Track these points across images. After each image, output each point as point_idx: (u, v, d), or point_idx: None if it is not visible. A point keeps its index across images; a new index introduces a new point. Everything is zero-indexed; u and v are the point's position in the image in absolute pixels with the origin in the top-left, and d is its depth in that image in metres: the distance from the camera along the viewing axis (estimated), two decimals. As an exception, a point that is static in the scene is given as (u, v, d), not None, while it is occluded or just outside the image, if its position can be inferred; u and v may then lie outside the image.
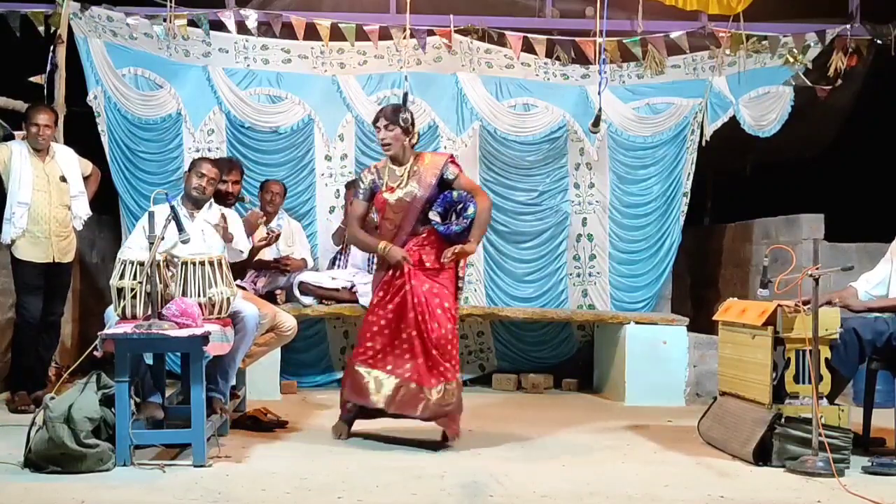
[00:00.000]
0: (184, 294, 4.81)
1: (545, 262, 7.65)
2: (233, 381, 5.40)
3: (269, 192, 7.07)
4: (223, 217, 5.55)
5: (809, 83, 7.48)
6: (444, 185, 5.27)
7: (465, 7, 7.58)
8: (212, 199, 5.69)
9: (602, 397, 7.19)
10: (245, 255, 5.91)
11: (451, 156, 5.44)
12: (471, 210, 5.20)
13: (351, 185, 7.15)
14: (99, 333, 4.52)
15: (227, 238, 5.50)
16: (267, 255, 6.94)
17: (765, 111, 7.56)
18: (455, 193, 5.26)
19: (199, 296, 4.82)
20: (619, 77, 7.61)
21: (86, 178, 6.40)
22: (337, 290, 7.06)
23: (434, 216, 5.25)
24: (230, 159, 6.83)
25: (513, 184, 7.62)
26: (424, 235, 5.27)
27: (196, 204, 5.58)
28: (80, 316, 7.39)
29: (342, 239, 7.19)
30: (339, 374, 7.50)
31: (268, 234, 6.52)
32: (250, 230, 6.15)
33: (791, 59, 7.45)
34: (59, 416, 4.29)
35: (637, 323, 7.01)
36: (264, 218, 6.65)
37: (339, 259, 7.30)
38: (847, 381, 5.18)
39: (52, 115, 6.31)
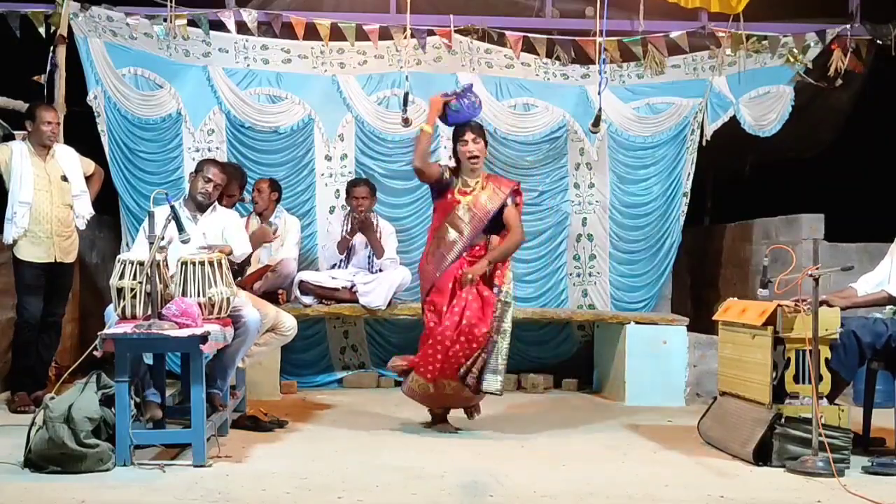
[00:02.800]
0: (184, 294, 4.81)
1: (545, 262, 7.63)
2: (232, 382, 5.40)
3: (254, 189, 7.10)
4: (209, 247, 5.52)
5: (813, 81, 7.47)
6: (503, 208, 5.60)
7: (465, 7, 7.57)
8: (216, 203, 5.70)
9: (602, 397, 7.18)
10: (247, 254, 5.91)
11: (518, 184, 5.78)
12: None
13: (352, 185, 7.16)
14: (99, 333, 4.52)
15: (226, 252, 5.51)
16: (263, 257, 6.95)
17: (765, 111, 7.55)
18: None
19: (199, 296, 4.83)
20: (620, 77, 7.60)
21: (88, 178, 6.40)
22: (337, 289, 7.05)
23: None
24: (235, 167, 6.81)
25: (513, 184, 7.62)
26: (478, 248, 5.59)
27: (200, 207, 5.59)
28: (80, 316, 7.39)
29: (346, 248, 7.17)
30: (339, 374, 7.52)
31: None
32: (255, 242, 6.30)
33: (791, 59, 7.45)
34: (59, 416, 4.29)
35: (637, 323, 7.00)
36: (273, 236, 6.71)
37: (340, 261, 7.28)
38: (847, 383, 5.16)
39: (58, 113, 6.37)
